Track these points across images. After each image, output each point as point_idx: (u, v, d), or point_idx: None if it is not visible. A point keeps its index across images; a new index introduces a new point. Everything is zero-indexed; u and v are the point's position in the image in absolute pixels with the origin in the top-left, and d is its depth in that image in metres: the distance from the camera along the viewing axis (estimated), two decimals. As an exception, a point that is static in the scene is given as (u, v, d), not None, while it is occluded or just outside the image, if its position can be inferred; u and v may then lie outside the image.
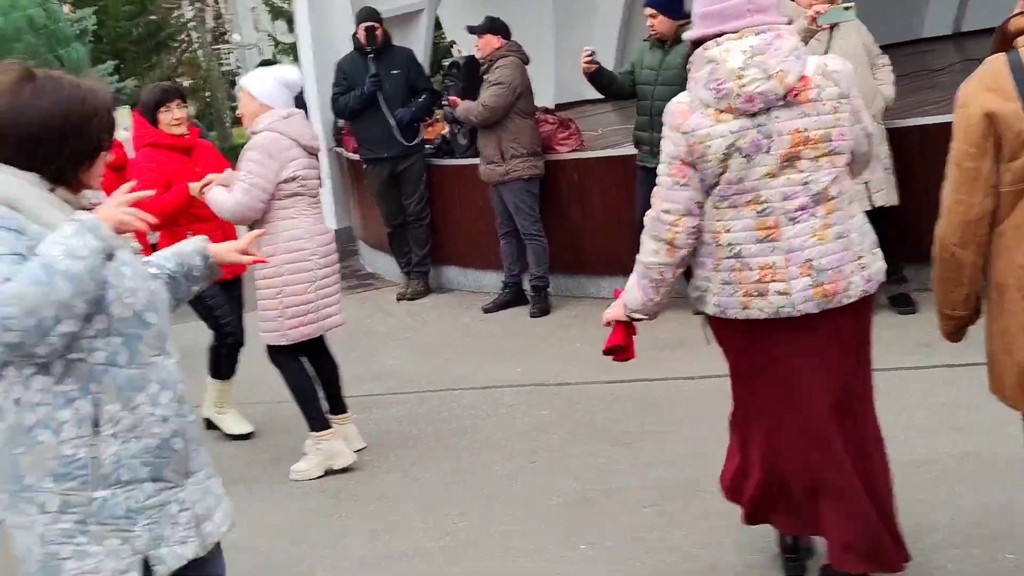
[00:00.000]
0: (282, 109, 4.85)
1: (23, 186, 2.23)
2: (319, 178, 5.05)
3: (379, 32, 7.91)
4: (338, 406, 5.23)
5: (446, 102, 7.74)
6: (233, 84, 39.42)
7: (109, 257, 2.19)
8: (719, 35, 2.97)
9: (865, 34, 5.87)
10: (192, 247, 2.67)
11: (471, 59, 7.93)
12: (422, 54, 10.01)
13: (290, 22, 24.17)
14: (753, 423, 3.27)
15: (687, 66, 3.06)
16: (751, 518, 3.43)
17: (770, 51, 2.91)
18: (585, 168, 7.32)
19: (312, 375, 5.10)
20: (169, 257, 2.64)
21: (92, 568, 2.25)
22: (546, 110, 7.97)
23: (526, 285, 7.56)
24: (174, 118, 5.40)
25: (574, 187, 7.34)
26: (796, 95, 2.91)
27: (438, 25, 11.32)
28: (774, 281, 2.97)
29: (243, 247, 2.77)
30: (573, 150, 7.50)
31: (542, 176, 7.30)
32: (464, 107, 7.29)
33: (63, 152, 2.26)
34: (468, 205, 8.09)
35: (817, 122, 2.92)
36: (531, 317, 7.28)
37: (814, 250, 2.96)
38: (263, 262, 3.13)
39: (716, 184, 2.99)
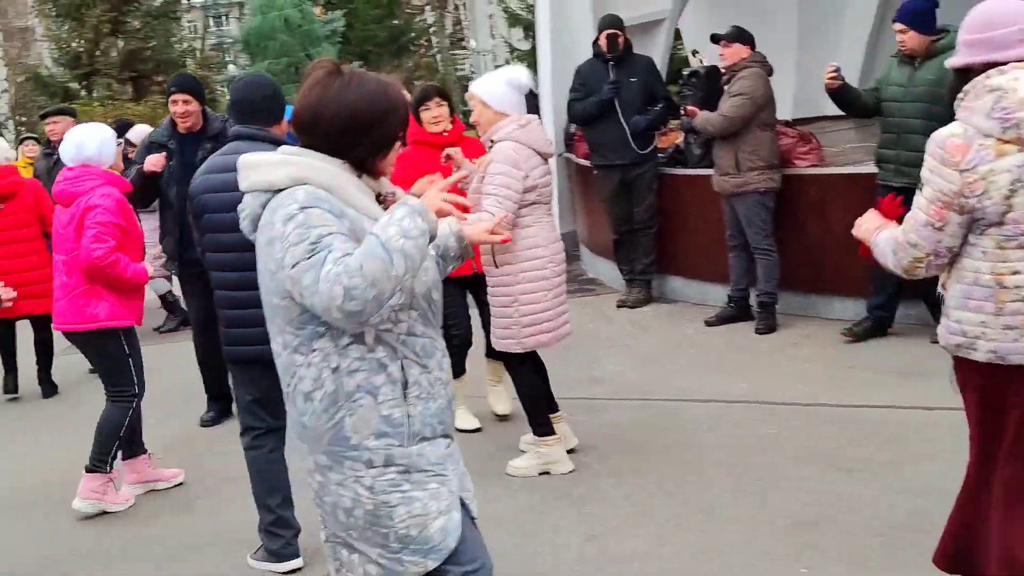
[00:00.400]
0: (517, 115, 4.85)
1: (339, 172, 2.46)
2: (551, 184, 5.06)
3: (621, 39, 7.92)
4: (550, 405, 5.24)
5: (683, 112, 7.66)
6: (466, 89, 40.56)
7: (431, 239, 2.39)
8: (989, 64, 2.87)
9: None
10: (447, 228, 2.78)
11: (712, 69, 7.84)
12: (660, 63, 9.96)
13: (526, 29, 24.66)
14: (993, 471, 3.08)
15: (958, 98, 2.92)
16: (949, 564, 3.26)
17: None
18: (826, 184, 7.09)
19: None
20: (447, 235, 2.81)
21: (420, 510, 2.51)
22: (786, 123, 7.78)
23: (752, 301, 7.40)
24: (432, 116, 5.59)
25: (812, 203, 7.13)
26: None
27: (677, 35, 11.23)
28: None
29: (491, 227, 2.85)
30: (812, 165, 7.29)
31: (778, 190, 7.13)
32: (703, 117, 7.20)
33: (366, 141, 2.47)
34: (698, 215, 7.99)
35: None
36: (756, 333, 7.11)
37: None
38: (509, 240, 3.20)
39: (1000, 223, 2.85)
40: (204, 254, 4.30)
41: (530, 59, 22.54)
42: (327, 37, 20.69)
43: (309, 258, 2.29)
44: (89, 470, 5.10)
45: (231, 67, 24.17)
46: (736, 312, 7.46)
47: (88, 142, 5.18)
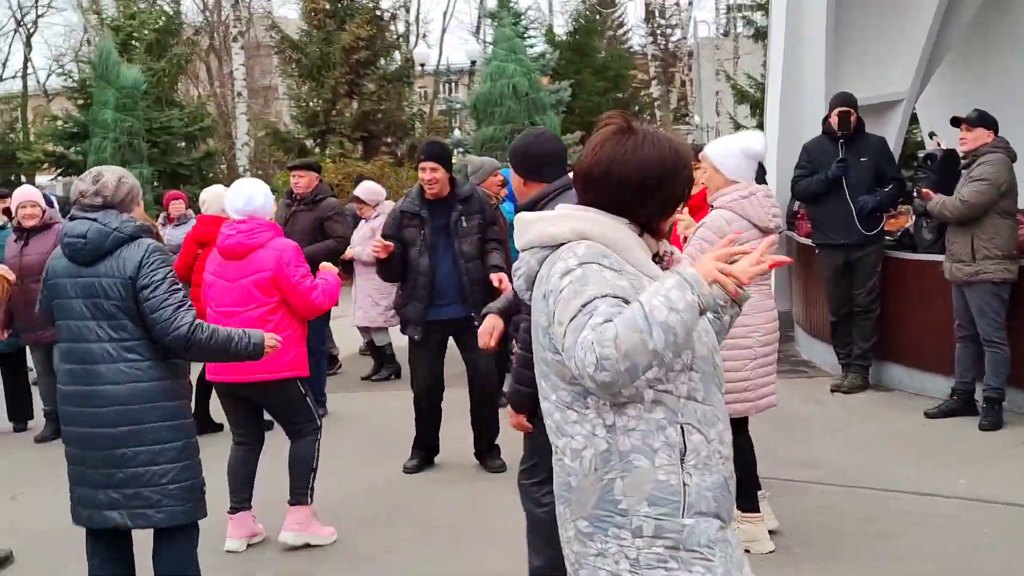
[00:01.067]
0: (744, 186, 4.79)
1: (622, 228, 2.40)
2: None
3: (853, 117, 7.77)
4: (755, 483, 5.07)
5: (917, 195, 7.40)
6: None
7: (702, 312, 2.24)
8: None
9: None
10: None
11: (950, 152, 7.57)
12: (894, 145, 9.69)
13: (753, 107, 24.46)
14: None
15: None
16: None
17: None
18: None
19: None
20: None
21: None
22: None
23: (978, 396, 7.01)
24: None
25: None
26: None
27: (913, 118, 10.91)
28: None
29: (758, 258, 2.45)
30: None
31: (1014, 281, 6.76)
32: (939, 201, 6.93)
33: (656, 200, 2.41)
34: (924, 303, 7.67)
35: None
36: (980, 430, 6.73)
37: None
38: (786, 263, 2.74)
39: None
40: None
41: (754, 137, 22.31)
42: (553, 106, 21.14)
43: (574, 318, 2.21)
44: (292, 504, 5.28)
45: (456, 132, 25.05)
46: (959, 406, 7.08)
47: (257, 195, 5.27)
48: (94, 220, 3.87)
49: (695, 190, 5.24)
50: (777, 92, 10.51)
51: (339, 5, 22.42)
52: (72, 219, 3.94)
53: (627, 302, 2.23)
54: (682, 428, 2.32)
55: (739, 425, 4.97)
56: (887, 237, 8.09)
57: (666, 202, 2.42)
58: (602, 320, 2.18)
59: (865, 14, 10.15)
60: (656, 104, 35.28)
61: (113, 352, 3.82)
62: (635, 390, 2.29)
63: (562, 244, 2.37)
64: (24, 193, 8.15)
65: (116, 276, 3.82)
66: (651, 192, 2.39)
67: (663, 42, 35.54)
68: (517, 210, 3.94)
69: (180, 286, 3.91)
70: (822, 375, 8.73)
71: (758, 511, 4.95)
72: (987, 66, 11.49)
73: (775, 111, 10.55)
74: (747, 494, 4.92)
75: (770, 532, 5.01)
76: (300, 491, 5.26)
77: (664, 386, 2.32)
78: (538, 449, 3.79)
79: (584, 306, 2.21)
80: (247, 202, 5.22)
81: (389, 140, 22.80)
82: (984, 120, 6.90)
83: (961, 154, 7.10)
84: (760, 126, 17.16)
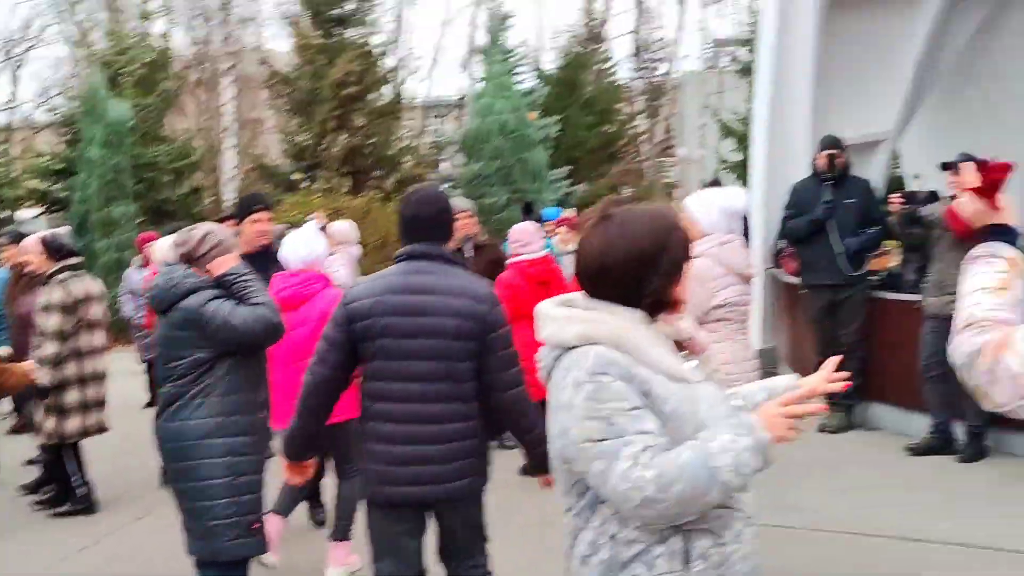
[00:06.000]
0: (719, 235, 4.77)
1: (629, 326, 2.32)
2: (748, 304, 4.96)
3: (841, 160, 7.85)
4: None
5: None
6: (670, 196, 40.73)
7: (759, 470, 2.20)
8: None
9: None
10: (785, 383, 2.61)
11: (932, 194, 7.63)
12: (878, 183, 9.77)
13: (739, 141, 24.59)
14: None
15: None
16: None
17: None
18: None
19: None
20: (759, 391, 2.62)
21: None
22: None
23: (960, 432, 7.04)
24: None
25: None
26: None
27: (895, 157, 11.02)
28: None
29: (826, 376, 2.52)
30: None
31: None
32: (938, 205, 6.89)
33: (659, 272, 2.33)
34: (908, 342, 7.69)
35: None
36: (960, 462, 6.84)
37: None
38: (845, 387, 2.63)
39: None
40: (335, 386, 3.77)
41: (739, 171, 22.45)
42: (540, 142, 21.21)
43: (601, 441, 2.17)
44: (334, 539, 5.42)
45: (444, 166, 25.07)
46: (938, 443, 7.16)
47: (317, 245, 5.38)
48: (163, 274, 4.16)
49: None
50: (763, 130, 10.58)
51: (330, 40, 22.51)
52: None
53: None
54: (687, 534, 2.27)
55: None
56: (872, 277, 8.14)
57: (670, 272, 2.35)
58: (642, 448, 2.15)
59: (850, 54, 10.24)
60: (642, 138, 35.44)
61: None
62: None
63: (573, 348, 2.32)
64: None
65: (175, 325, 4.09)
66: (651, 268, 2.32)
67: (649, 76, 35.72)
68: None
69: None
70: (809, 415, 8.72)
71: None
72: (969, 106, 11.63)
73: (761, 149, 10.61)
74: None
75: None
76: (346, 528, 5.42)
77: None
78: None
79: (608, 427, 2.18)
80: (308, 252, 5.34)
81: (377, 175, 22.81)
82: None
83: (950, 195, 7.15)
84: (745, 160, 17.25)
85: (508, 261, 7.17)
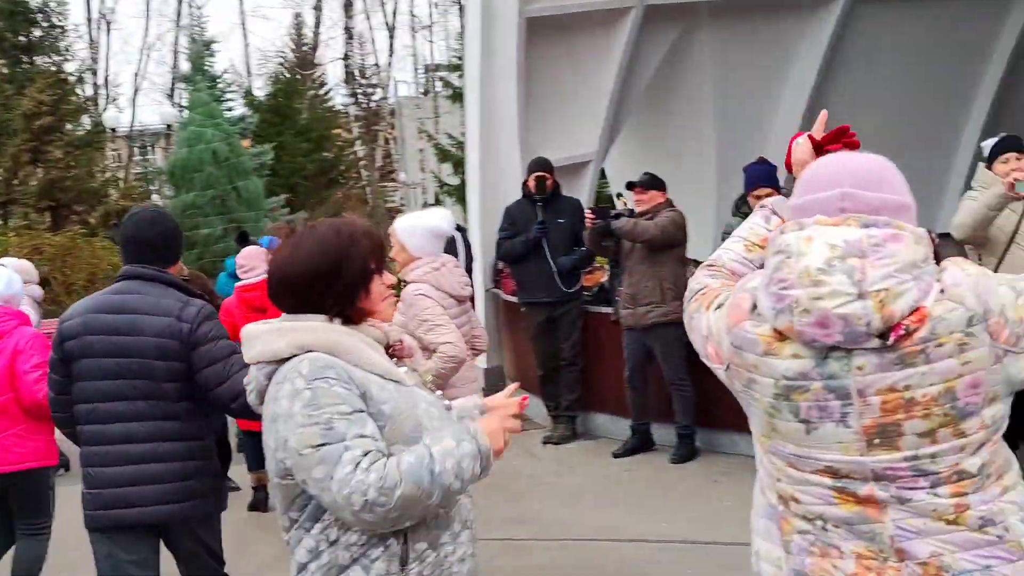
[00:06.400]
0: (432, 258, 4.85)
1: (341, 331, 2.33)
2: (469, 324, 5.05)
3: (550, 182, 8.13)
4: None
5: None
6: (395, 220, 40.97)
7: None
8: None
9: None
10: (473, 403, 2.64)
11: (631, 212, 8.05)
12: (587, 202, 10.20)
13: (456, 165, 25.07)
14: None
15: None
16: None
17: (875, 255, 1.89)
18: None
19: None
20: (472, 407, 2.62)
21: None
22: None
23: (670, 435, 7.49)
24: None
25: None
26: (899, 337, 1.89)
27: (602, 175, 11.57)
28: None
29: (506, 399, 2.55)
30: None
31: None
32: (636, 222, 7.27)
33: (335, 286, 2.34)
34: (618, 351, 8.07)
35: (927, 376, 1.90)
36: (672, 463, 7.28)
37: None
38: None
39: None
40: (70, 404, 3.73)
41: (459, 194, 22.88)
42: (255, 169, 20.78)
43: (320, 446, 2.14)
44: None
45: (155, 197, 24.06)
46: (640, 442, 7.61)
47: (15, 280, 5.13)
48: None
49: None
50: (476, 155, 10.82)
51: (17, 69, 21.10)
52: None
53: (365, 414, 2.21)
54: (405, 535, 2.27)
55: None
56: (585, 293, 8.47)
57: (352, 283, 2.36)
58: (362, 452, 2.13)
59: (553, 78, 10.65)
60: (362, 163, 35.45)
61: None
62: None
63: (287, 359, 2.29)
64: None
65: None
66: (328, 280, 2.34)
67: (365, 101, 35.82)
68: None
69: None
70: (535, 427, 8.96)
71: None
72: (665, 128, 12.41)
73: (475, 172, 10.85)
74: None
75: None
76: None
77: None
78: None
79: (326, 431, 2.15)
80: (7, 287, 5.05)
81: (80, 209, 21.55)
82: (655, 182, 7.45)
83: (637, 212, 7.56)
84: (463, 184, 17.60)
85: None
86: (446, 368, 4.62)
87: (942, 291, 1.91)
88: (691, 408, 7.28)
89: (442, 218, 4.99)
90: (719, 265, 2.26)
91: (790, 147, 2.37)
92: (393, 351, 2.44)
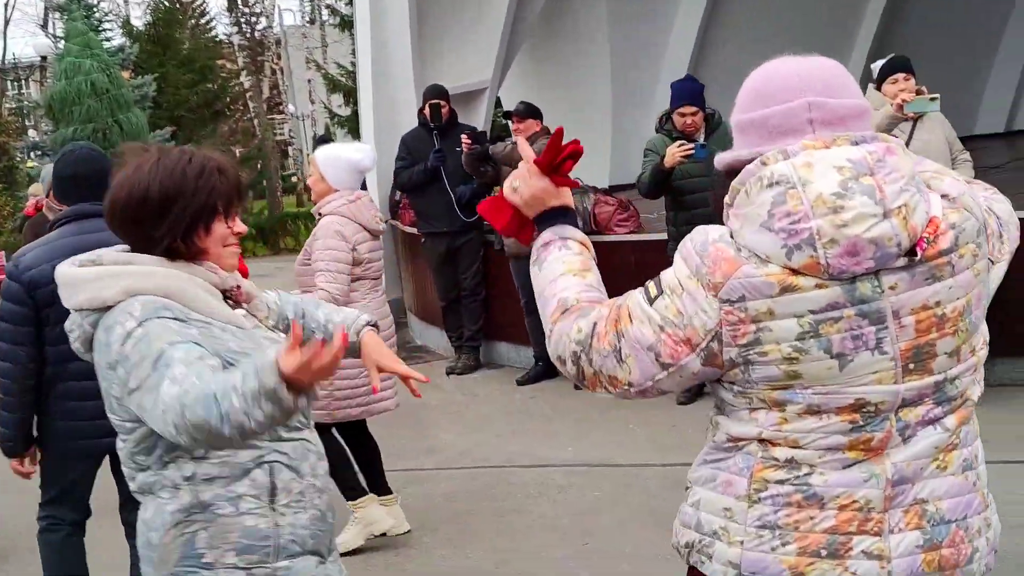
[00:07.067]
0: (349, 192, 4.82)
1: (175, 274, 2.20)
2: (381, 260, 5.04)
3: (445, 109, 8.04)
4: (381, 488, 5.08)
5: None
6: (285, 154, 40.19)
7: (288, 411, 1.94)
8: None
9: (948, 127, 5.85)
10: (356, 321, 2.54)
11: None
12: (483, 129, 10.14)
13: (347, 96, 24.63)
14: None
15: (725, 202, 1.88)
16: None
17: (883, 171, 1.76)
18: (644, 249, 7.33)
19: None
20: (324, 324, 2.54)
21: None
22: (605, 191, 8.01)
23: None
24: None
25: (631, 268, 7.34)
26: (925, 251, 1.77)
27: (498, 103, 11.49)
28: (862, 533, 1.83)
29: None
30: (631, 231, 7.52)
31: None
32: (512, 147, 7.20)
33: (165, 221, 2.20)
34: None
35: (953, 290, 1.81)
36: (576, 388, 7.24)
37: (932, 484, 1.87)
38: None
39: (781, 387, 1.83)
40: (43, 347, 3.66)
41: (351, 124, 22.51)
42: (137, 102, 20.06)
43: (149, 377, 2.03)
44: None
45: (31, 132, 23.10)
46: (544, 370, 7.61)
47: None
48: None
49: None
50: (369, 85, 10.65)
51: None
52: None
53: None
54: (271, 467, 2.21)
55: (358, 427, 5.00)
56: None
57: (187, 220, 2.21)
58: (182, 370, 1.99)
59: (445, 5, 10.51)
60: (248, 95, 34.55)
61: None
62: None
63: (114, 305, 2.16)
64: None
65: None
66: (162, 207, 2.19)
67: (249, 31, 34.76)
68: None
69: None
70: (437, 359, 9.00)
71: (365, 494, 4.94)
72: (560, 56, 12.36)
73: (368, 104, 10.68)
74: (348, 484, 4.88)
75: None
76: None
77: None
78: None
79: (156, 361, 2.03)
80: None
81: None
82: (531, 111, 7.45)
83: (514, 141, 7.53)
84: (355, 115, 17.30)
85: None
86: None
87: (950, 199, 1.83)
88: None
89: (364, 153, 4.94)
90: (573, 307, 1.93)
91: (491, 213, 2.10)
92: (231, 296, 2.34)
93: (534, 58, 12.29)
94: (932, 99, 5.38)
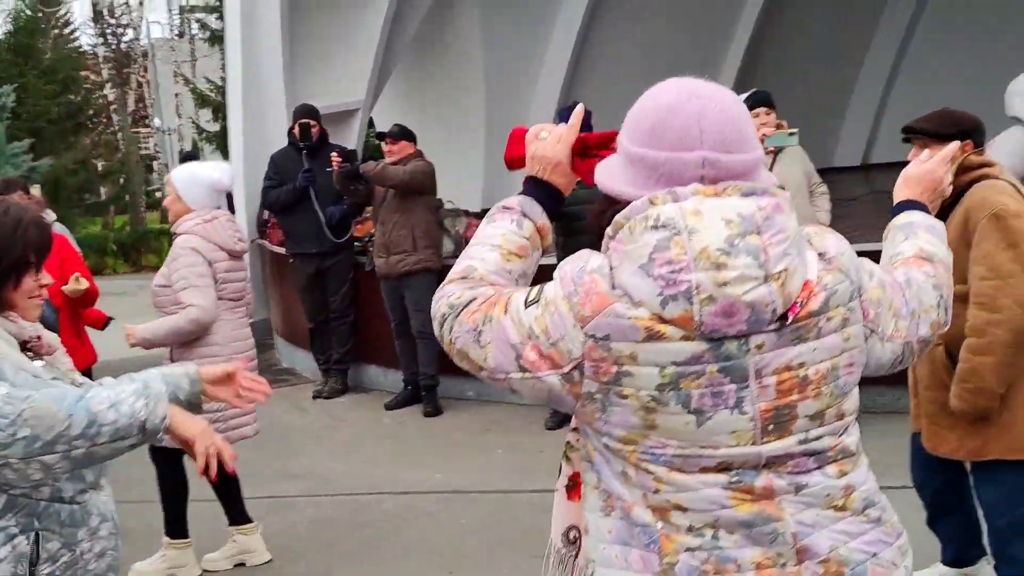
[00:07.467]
0: (205, 211, 4.72)
1: None
2: (244, 281, 4.93)
3: (315, 129, 7.93)
4: (240, 517, 4.95)
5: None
6: (150, 169, 39.08)
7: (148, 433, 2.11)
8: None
9: (807, 161, 6.04)
10: (183, 371, 2.51)
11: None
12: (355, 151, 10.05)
13: (215, 111, 24.12)
14: None
15: (607, 234, 1.79)
16: None
17: (770, 231, 1.71)
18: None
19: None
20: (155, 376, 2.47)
21: None
22: (477, 215, 7.99)
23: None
24: None
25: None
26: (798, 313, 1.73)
27: (371, 124, 11.41)
28: None
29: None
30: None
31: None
32: (385, 165, 7.23)
33: None
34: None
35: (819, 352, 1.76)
36: (425, 416, 7.30)
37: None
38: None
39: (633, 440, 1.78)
40: None
41: (219, 141, 22.05)
42: (-5, 112, 19.26)
43: None
44: None
45: None
46: (413, 395, 7.55)
47: None
48: None
49: None
50: (239, 101, 10.44)
51: None
52: None
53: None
54: (38, 535, 2.17)
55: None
56: (356, 243, 8.34)
57: (2, 270, 2.23)
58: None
59: (318, 24, 10.39)
60: (112, 107, 33.54)
61: None
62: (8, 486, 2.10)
63: None
64: None
65: None
66: None
67: (115, 42, 33.73)
68: None
69: None
70: (304, 382, 8.83)
71: (249, 522, 4.91)
72: (434, 77, 12.35)
73: (238, 120, 10.47)
74: (178, 519, 4.83)
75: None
76: None
77: (21, 488, 2.13)
78: None
79: None
80: None
81: None
82: (406, 134, 7.42)
83: (389, 163, 7.46)
84: (224, 131, 16.96)
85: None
86: (187, 327, 4.57)
87: (827, 258, 1.77)
88: (435, 357, 7.14)
89: (222, 172, 4.87)
90: (475, 278, 1.88)
91: (513, 136, 2.07)
92: (31, 347, 2.31)
93: (408, 79, 12.25)
94: (791, 134, 5.54)
